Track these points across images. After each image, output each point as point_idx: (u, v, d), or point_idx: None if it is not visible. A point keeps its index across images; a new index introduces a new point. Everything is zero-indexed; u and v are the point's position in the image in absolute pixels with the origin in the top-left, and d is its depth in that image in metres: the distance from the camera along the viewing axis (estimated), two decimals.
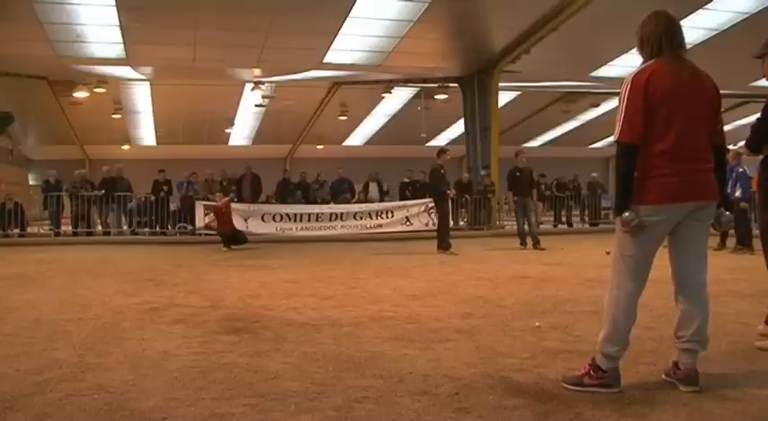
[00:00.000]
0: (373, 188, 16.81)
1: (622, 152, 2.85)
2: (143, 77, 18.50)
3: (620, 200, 2.87)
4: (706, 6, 13.32)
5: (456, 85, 18.13)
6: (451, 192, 11.55)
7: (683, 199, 2.83)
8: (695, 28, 14.01)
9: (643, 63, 2.92)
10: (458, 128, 22.17)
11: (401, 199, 16.10)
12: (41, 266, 8.60)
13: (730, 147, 14.15)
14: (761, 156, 3.78)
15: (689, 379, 2.84)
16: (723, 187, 3.08)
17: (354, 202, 15.85)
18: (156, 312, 4.96)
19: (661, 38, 2.89)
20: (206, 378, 3.10)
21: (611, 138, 3.01)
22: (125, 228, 15.21)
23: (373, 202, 15.51)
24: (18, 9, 12.20)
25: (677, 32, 2.92)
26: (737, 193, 10.26)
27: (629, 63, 16.66)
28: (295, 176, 17.40)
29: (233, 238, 11.92)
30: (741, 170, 10.39)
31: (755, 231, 10.83)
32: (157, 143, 25.96)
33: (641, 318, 4.37)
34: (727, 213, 3.07)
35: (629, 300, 2.91)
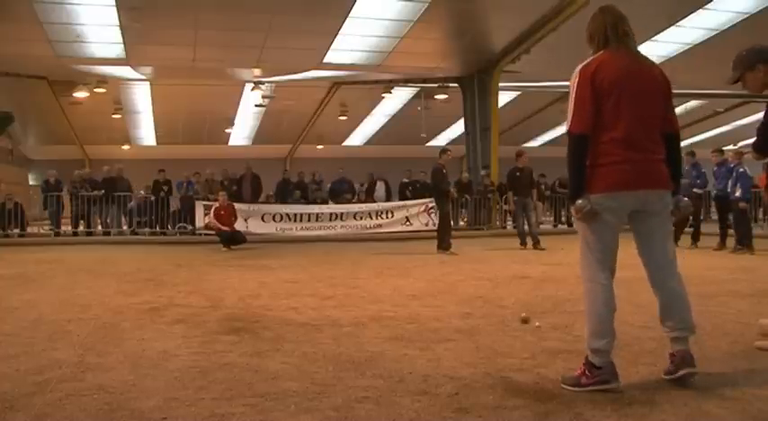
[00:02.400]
0: (380, 187, 16.82)
1: (575, 142, 2.91)
2: (143, 77, 18.50)
3: (574, 189, 2.94)
4: (706, 6, 13.32)
5: (456, 84, 18.13)
6: (453, 192, 11.52)
7: (633, 187, 2.88)
8: (695, 28, 14.01)
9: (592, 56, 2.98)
10: (458, 128, 22.18)
11: (401, 199, 16.10)
12: (41, 266, 8.60)
13: (731, 147, 14.17)
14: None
15: (685, 360, 2.87)
16: (678, 175, 3.12)
17: (356, 202, 15.84)
18: (156, 312, 4.96)
19: (606, 30, 2.98)
20: (206, 378, 3.10)
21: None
22: (125, 228, 15.22)
23: (379, 202, 15.52)
24: (18, 9, 12.21)
25: (623, 24, 3.00)
26: (737, 193, 10.25)
27: None
28: (294, 176, 17.40)
29: (231, 238, 11.91)
30: (742, 170, 10.38)
31: (756, 231, 10.85)
32: (157, 143, 25.97)
33: (641, 318, 4.39)
34: (686, 199, 3.10)
35: (605, 289, 2.92)
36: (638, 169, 2.88)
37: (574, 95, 2.90)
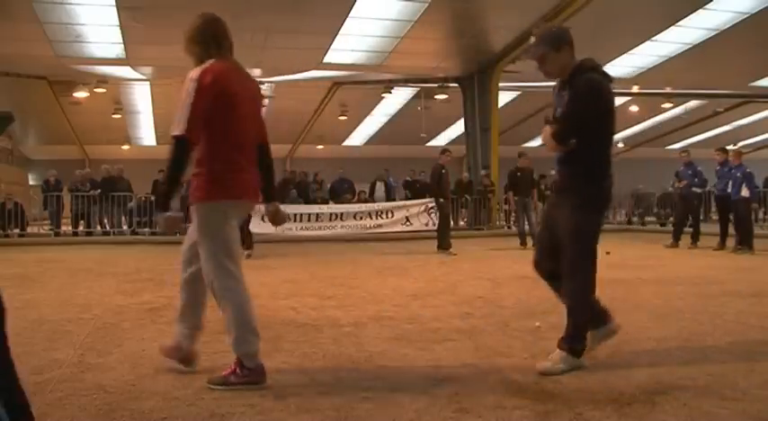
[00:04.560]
0: (379, 187, 16.82)
1: (185, 146, 2.92)
2: (143, 77, 18.50)
3: (168, 196, 2.98)
4: (706, 6, 13.32)
5: (456, 84, 18.13)
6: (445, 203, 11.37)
7: (247, 196, 3.08)
8: (695, 28, 14.00)
9: (201, 61, 2.99)
10: (458, 128, 22.18)
11: (405, 195, 16.18)
12: (41, 266, 8.59)
13: (731, 147, 14.16)
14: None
15: (193, 360, 3.19)
16: (272, 183, 3.30)
17: (357, 202, 15.86)
18: (156, 312, 4.97)
19: (214, 38, 3.03)
20: (206, 378, 3.09)
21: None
22: (125, 228, 15.22)
23: (379, 202, 15.53)
24: (18, 9, 12.21)
25: (228, 35, 3.08)
26: (744, 193, 10.18)
27: (629, 63, 16.64)
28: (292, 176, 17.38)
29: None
30: (749, 170, 10.35)
31: (756, 231, 10.84)
32: (157, 143, 25.95)
33: (641, 318, 4.38)
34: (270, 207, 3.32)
35: (245, 292, 3.15)
36: (251, 179, 3.06)
37: (190, 100, 2.88)
